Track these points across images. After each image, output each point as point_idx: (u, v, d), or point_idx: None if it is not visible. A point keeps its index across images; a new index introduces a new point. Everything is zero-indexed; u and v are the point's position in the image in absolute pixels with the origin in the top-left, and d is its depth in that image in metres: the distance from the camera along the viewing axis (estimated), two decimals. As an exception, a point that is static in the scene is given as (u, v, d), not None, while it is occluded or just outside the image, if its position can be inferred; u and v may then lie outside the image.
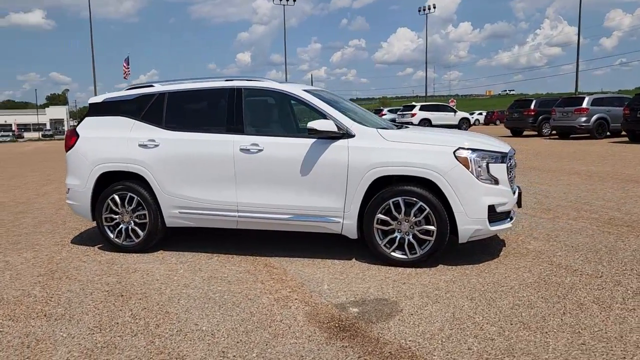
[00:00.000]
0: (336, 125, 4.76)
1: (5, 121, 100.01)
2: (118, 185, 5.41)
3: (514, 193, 4.90)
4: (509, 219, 4.82)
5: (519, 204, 5.09)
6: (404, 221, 4.66)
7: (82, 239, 6.10)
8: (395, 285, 4.24)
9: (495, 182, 4.63)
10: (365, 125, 4.88)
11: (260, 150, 4.95)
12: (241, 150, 4.98)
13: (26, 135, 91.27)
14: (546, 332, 3.31)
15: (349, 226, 4.79)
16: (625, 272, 4.39)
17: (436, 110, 31.37)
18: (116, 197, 5.41)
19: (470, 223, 4.54)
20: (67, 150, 5.66)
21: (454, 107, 32.96)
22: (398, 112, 32.48)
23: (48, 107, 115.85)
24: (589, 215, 6.58)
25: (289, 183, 4.88)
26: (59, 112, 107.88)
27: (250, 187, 5.01)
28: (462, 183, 4.51)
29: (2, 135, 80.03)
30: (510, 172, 4.89)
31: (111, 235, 5.49)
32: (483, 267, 4.65)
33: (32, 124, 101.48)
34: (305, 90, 5.13)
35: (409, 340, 3.25)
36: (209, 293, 4.19)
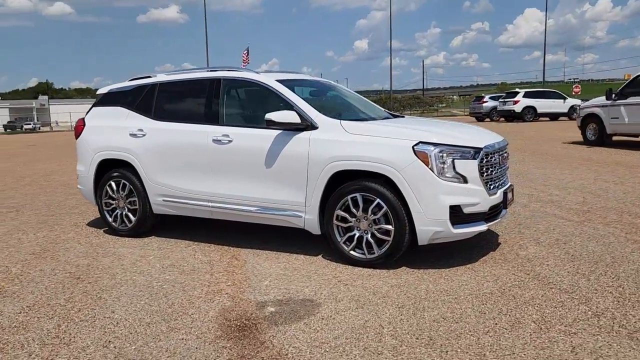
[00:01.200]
0: (300, 117, 4.60)
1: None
2: (114, 173, 5.69)
3: (502, 191, 4.49)
4: (483, 222, 4.36)
5: (504, 204, 4.57)
6: (363, 219, 4.40)
7: (96, 222, 6.50)
8: (336, 286, 4.03)
9: (463, 180, 4.20)
10: (330, 117, 4.65)
11: (230, 141, 4.93)
12: (213, 141, 5.00)
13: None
14: (445, 352, 2.97)
15: (310, 221, 4.64)
16: (606, 289, 3.80)
17: (542, 97, 29.11)
18: (112, 184, 5.70)
19: (429, 224, 4.18)
20: (76, 138, 6.05)
21: (564, 94, 30.24)
22: (500, 100, 30.64)
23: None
24: (631, 220, 5.75)
25: (256, 175, 4.82)
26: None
27: (222, 178, 5.02)
28: (420, 180, 4.15)
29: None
30: (495, 168, 4.46)
31: (109, 219, 5.81)
32: (447, 272, 4.27)
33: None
34: (278, 80, 5.00)
35: (293, 347, 3.08)
36: (153, 282, 4.28)
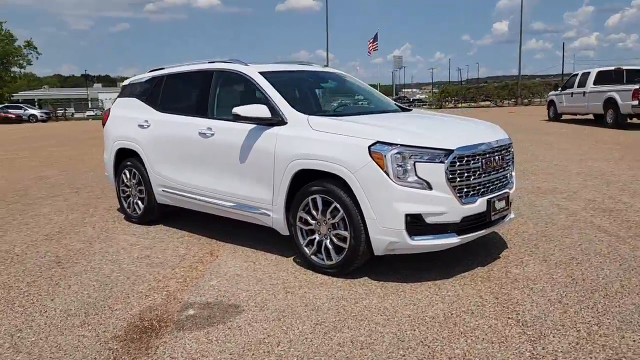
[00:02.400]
0: (272, 111, 4.39)
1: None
2: (127, 162, 5.92)
3: (486, 199, 3.96)
4: (454, 234, 3.83)
5: (488, 214, 3.99)
6: (323, 222, 4.10)
7: (126, 207, 6.82)
8: (276, 293, 3.81)
9: (427, 186, 3.72)
10: (300, 111, 4.37)
11: (212, 135, 4.86)
12: (199, 133, 4.97)
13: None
14: (315, 383, 2.64)
15: (277, 221, 4.43)
16: (575, 326, 3.16)
17: None
18: (126, 172, 5.94)
19: (383, 233, 3.77)
20: (103, 127, 6.38)
21: None
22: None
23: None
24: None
25: (232, 170, 4.71)
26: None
27: (205, 171, 4.98)
28: (373, 184, 3.76)
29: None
30: (477, 173, 3.92)
31: (125, 206, 6.07)
32: (408, 287, 3.84)
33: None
34: (262, 72, 4.80)
35: (171, 357, 2.95)
36: (115, 272, 4.37)
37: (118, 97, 6.36)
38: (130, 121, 5.81)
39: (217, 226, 5.55)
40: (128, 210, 6.00)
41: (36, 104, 60.20)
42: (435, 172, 3.71)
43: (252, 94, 4.74)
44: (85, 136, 22.21)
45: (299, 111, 4.36)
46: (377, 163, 3.72)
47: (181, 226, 5.72)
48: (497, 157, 4.08)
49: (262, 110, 4.34)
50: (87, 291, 3.94)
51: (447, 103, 49.04)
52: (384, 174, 3.69)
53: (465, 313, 3.38)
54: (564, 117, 20.37)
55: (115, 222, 6.03)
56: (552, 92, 21.35)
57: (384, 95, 5.64)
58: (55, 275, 4.31)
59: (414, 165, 3.71)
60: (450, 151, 3.75)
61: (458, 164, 3.78)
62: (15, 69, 48.69)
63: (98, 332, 3.27)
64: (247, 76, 4.79)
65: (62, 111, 50.99)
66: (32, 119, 43.58)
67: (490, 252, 4.56)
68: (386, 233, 3.74)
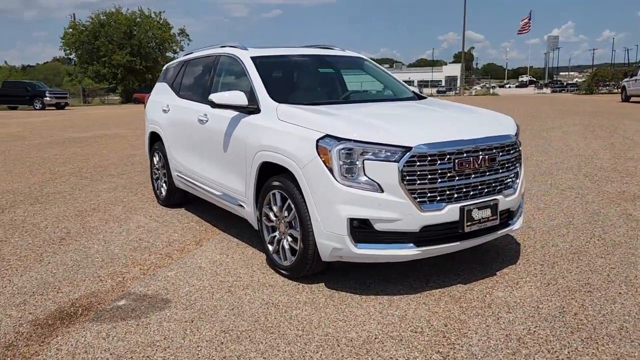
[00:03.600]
0: (251, 98, 4.17)
1: (409, 78, 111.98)
2: (155, 145, 6.08)
3: (460, 207, 3.37)
4: (412, 244, 3.32)
5: (461, 224, 3.39)
6: (282, 219, 3.82)
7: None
8: (219, 291, 3.61)
9: (378, 188, 3.25)
10: (275, 99, 4.08)
11: (207, 121, 4.77)
12: (198, 120, 4.91)
13: (425, 91, 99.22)
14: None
15: (249, 214, 4.22)
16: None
17: None
18: (155, 155, 6.10)
19: (327, 238, 3.38)
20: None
21: None
22: None
23: (446, 65, 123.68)
24: None
25: (218, 158, 4.59)
26: (454, 69, 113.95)
27: (202, 158, 4.92)
28: (318, 182, 3.38)
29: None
30: (447, 175, 3.33)
31: (155, 187, 6.25)
32: (357, 300, 3.42)
33: (430, 81, 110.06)
34: (252, 57, 4.57)
35: (56, 349, 2.91)
36: (93, 254, 4.47)
37: (157, 81, 6.52)
38: (158, 105, 5.93)
39: (231, 215, 5.45)
40: (157, 192, 6.16)
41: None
42: (387, 172, 3.21)
43: (245, 80, 4.52)
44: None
45: (273, 99, 4.05)
46: (322, 159, 3.31)
47: (199, 212, 5.71)
48: (481, 157, 3.42)
49: (238, 98, 4.11)
50: (57, 270, 4.06)
51: (599, 88, 43.95)
52: (328, 171, 3.28)
53: (393, 339, 2.90)
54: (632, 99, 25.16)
55: (145, 204, 6.22)
56: (625, 79, 26.72)
57: (399, 83, 5.08)
58: (47, 251, 4.53)
59: (363, 163, 3.23)
60: (407, 148, 3.22)
61: (419, 163, 3.23)
62: (169, 54, 53.20)
63: (26, 313, 3.34)
64: (240, 61, 4.58)
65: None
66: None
67: (489, 267, 3.91)
68: (330, 238, 3.34)
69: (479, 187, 3.46)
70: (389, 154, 3.21)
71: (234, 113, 4.28)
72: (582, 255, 4.11)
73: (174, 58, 60.04)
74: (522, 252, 4.21)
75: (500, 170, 3.57)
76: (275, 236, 3.85)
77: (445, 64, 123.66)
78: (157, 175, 6.12)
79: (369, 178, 3.23)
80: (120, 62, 47.33)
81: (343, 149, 3.24)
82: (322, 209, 3.34)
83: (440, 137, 3.33)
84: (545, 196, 6.09)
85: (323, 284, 3.67)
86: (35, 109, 32.63)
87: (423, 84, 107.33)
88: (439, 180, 3.29)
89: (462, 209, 3.34)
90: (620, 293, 3.40)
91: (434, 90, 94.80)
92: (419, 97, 4.84)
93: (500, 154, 3.56)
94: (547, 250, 4.23)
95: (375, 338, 2.91)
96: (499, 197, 3.55)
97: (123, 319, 3.22)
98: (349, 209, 3.24)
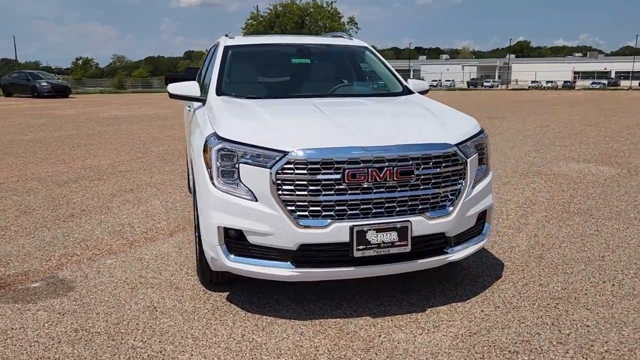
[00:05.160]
0: (202, 89, 4.06)
1: (605, 68, 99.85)
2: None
3: (350, 226, 2.83)
4: (289, 263, 2.90)
5: (350, 246, 2.87)
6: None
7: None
8: (125, 286, 3.58)
9: (253, 196, 2.90)
10: (220, 91, 3.87)
11: (190, 111, 4.75)
12: (187, 109, 4.92)
13: (623, 83, 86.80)
14: None
15: (197, 211, 4.09)
16: None
17: None
18: (187, 142, 6.26)
19: (207, 245, 3.12)
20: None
21: None
22: None
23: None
24: None
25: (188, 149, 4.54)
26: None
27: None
28: (200, 184, 3.12)
29: (593, 83, 79.92)
30: (334, 188, 2.81)
31: (188, 174, 6.43)
32: (243, 318, 3.12)
33: (632, 72, 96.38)
34: (227, 46, 4.39)
35: None
36: (79, 232, 4.74)
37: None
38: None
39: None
40: (188, 179, 6.31)
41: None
42: (261, 179, 2.82)
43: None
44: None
45: (221, 91, 3.87)
46: (205, 159, 3.04)
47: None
48: (386, 169, 2.82)
49: (190, 89, 3.98)
50: (30, 244, 4.37)
51: None
52: (207, 173, 2.99)
53: (216, 370, 2.54)
54: None
55: (177, 189, 6.41)
56: None
57: (394, 77, 4.44)
58: (46, 225, 4.89)
59: (239, 167, 2.89)
60: (283, 153, 2.78)
61: (296, 171, 2.78)
62: (337, 42, 54.68)
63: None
64: (216, 50, 4.42)
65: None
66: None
67: (428, 299, 3.26)
68: (208, 246, 3.06)
69: (383, 205, 2.86)
70: (263, 158, 2.81)
71: (198, 104, 4.15)
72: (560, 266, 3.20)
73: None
74: (492, 289, 3.43)
75: (422, 187, 2.91)
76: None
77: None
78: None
79: (243, 184, 2.86)
80: (291, 50, 49.82)
81: (221, 149, 2.92)
82: (202, 213, 3.07)
83: (330, 142, 2.81)
84: None
85: (227, 293, 3.38)
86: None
87: (623, 75, 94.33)
88: (323, 193, 2.78)
89: (352, 229, 2.79)
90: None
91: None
92: (408, 92, 4.20)
93: (423, 166, 2.89)
94: (531, 291, 3.39)
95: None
96: (416, 218, 2.89)
97: (16, 301, 3.32)
98: (220, 217, 2.91)
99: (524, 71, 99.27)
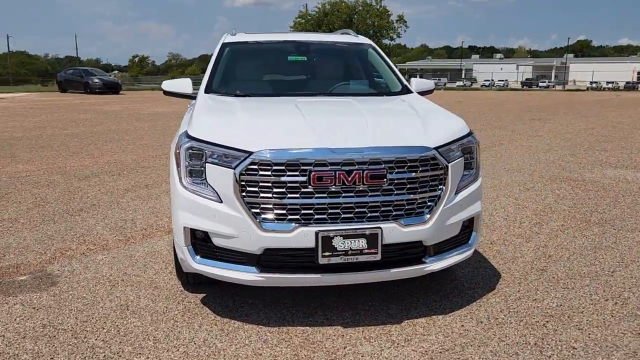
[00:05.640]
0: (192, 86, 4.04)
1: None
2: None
3: (315, 231, 2.69)
4: (253, 268, 2.81)
5: (316, 252, 2.75)
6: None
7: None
8: (106, 285, 3.58)
9: (218, 197, 2.83)
10: (209, 88, 3.84)
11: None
12: (189, 107, 4.90)
13: None
14: None
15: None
16: None
17: None
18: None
19: (176, 246, 3.08)
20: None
21: None
22: None
23: None
24: None
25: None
26: None
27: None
28: (171, 182, 3.08)
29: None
30: (300, 191, 2.69)
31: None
32: (211, 322, 3.06)
33: None
34: (227, 42, 4.34)
35: None
36: (82, 227, 4.82)
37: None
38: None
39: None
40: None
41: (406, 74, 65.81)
42: (225, 179, 2.74)
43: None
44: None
45: (210, 88, 3.83)
46: (175, 157, 2.99)
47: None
48: (355, 173, 2.68)
49: (182, 86, 3.96)
50: (32, 237, 4.46)
51: None
52: (176, 172, 2.94)
53: (166, 375, 2.49)
54: None
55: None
56: None
57: (394, 76, 4.26)
58: (54, 219, 4.99)
59: (205, 167, 2.82)
60: (247, 153, 2.69)
61: (261, 172, 2.68)
62: (385, 41, 54.16)
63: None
64: (217, 47, 4.38)
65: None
66: (389, 86, 48.10)
67: (409, 310, 3.10)
68: (178, 246, 3.01)
69: (353, 210, 2.72)
70: (228, 158, 2.72)
71: (194, 101, 4.12)
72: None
73: (389, 45, 61.31)
74: (480, 302, 3.24)
75: (396, 192, 2.75)
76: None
77: None
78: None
79: (209, 185, 2.79)
80: (338, 48, 49.68)
81: (189, 148, 2.86)
82: (172, 213, 3.02)
83: (298, 144, 2.70)
84: None
85: (204, 295, 3.33)
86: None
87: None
88: (288, 195, 2.67)
89: (317, 235, 2.66)
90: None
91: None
92: (407, 92, 4.03)
93: (397, 170, 2.73)
94: (521, 306, 3.17)
95: (151, 369, 2.52)
96: (388, 225, 2.74)
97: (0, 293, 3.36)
98: (186, 217, 2.85)
99: (582, 71, 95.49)
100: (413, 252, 2.87)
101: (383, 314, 3.07)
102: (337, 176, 2.65)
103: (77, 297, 3.30)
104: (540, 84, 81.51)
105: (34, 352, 2.66)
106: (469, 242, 3.10)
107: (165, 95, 4.11)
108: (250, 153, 2.67)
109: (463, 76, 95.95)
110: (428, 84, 4.28)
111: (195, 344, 2.74)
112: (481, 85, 74.79)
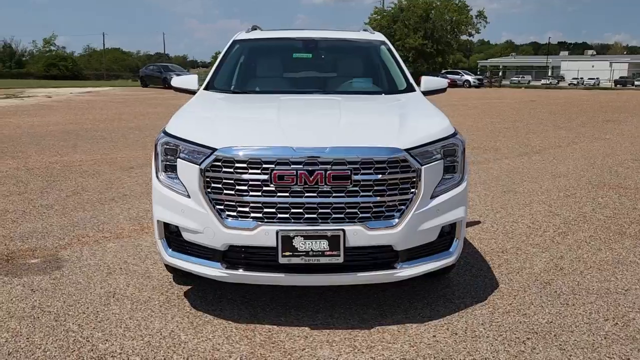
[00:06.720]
0: (199, 83, 4.16)
1: None
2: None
3: (276, 230, 2.68)
4: (218, 264, 2.85)
5: (277, 250, 2.75)
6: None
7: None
8: (102, 273, 3.76)
9: (186, 193, 2.89)
10: (210, 85, 3.92)
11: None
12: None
13: None
14: None
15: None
16: None
17: None
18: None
19: (156, 238, 3.18)
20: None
21: None
22: None
23: None
24: None
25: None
26: None
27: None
28: (151, 176, 3.18)
29: None
30: (262, 189, 2.69)
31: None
32: (184, 316, 3.14)
33: None
34: (237, 40, 4.41)
35: None
36: (107, 215, 5.08)
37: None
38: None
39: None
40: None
41: (479, 71, 63.59)
42: (192, 175, 2.79)
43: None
44: (459, 103, 21.91)
45: (210, 85, 3.92)
46: (154, 152, 3.08)
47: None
48: (318, 173, 2.64)
49: (189, 82, 4.07)
50: (58, 223, 4.75)
51: None
52: (154, 167, 3.04)
53: (136, 355, 2.58)
54: None
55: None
56: None
57: (401, 75, 4.12)
58: (85, 207, 5.29)
59: (177, 162, 2.89)
60: (211, 150, 2.73)
61: (224, 169, 2.71)
62: (464, 36, 52.68)
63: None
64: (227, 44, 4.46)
65: (496, 78, 52.57)
66: (465, 84, 46.64)
67: (391, 314, 3.02)
68: (155, 239, 3.10)
69: (316, 211, 2.68)
70: (195, 154, 2.77)
71: (203, 97, 4.22)
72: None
73: (467, 41, 59.24)
74: (463, 313, 3.10)
75: (361, 194, 2.68)
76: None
77: None
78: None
79: (180, 180, 2.85)
80: (412, 45, 48.92)
81: (165, 143, 2.94)
82: (152, 206, 3.11)
83: (262, 141, 2.70)
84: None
85: (189, 288, 3.41)
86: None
87: None
88: (250, 193, 2.68)
89: (277, 234, 2.65)
90: None
91: None
92: (410, 90, 3.91)
93: (363, 171, 2.66)
94: (507, 320, 3.01)
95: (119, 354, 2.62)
96: (352, 227, 2.68)
97: (7, 274, 3.62)
98: (160, 211, 2.94)
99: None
100: (383, 256, 2.78)
101: (357, 318, 3.00)
102: (298, 175, 2.61)
103: (73, 282, 3.47)
104: (635, 83, 75.99)
105: (14, 331, 2.82)
106: (450, 249, 2.96)
107: (175, 91, 4.22)
108: (215, 150, 2.69)
109: (549, 74, 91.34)
110: (439, 82, 4.13)
111: (161, 334, 2.80)
112: (569, 84, 70.82)
